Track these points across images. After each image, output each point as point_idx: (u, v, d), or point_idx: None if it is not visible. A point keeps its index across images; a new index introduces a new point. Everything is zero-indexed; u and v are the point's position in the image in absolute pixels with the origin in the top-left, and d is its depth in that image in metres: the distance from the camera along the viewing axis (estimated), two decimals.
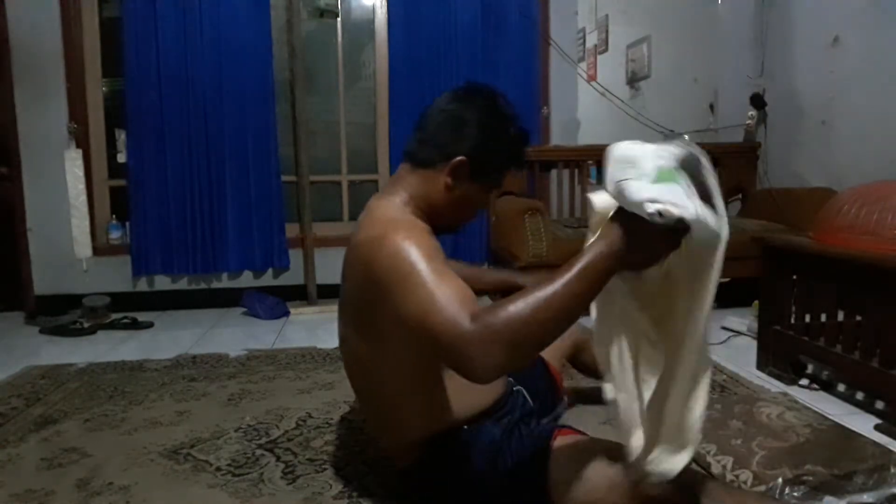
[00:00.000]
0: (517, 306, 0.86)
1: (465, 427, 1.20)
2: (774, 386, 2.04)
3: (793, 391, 1.99)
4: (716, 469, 1.42)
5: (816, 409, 1.79)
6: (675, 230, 0.84)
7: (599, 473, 1.05)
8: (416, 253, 1.00)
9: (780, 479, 1.25)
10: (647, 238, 0.86)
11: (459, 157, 1.14)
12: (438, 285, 0.95)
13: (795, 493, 1.19)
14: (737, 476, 1.37)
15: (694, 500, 0.97)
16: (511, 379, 1.36)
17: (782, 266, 2.10)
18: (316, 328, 3.03)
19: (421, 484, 1.26)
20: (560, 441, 1.13)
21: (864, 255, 1.75)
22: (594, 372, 1.66)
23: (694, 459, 1.36)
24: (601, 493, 1.03)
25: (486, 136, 1.15)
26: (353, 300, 1.19)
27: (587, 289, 0.88)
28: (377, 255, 1.04)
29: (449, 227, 1.23)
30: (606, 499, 1.03)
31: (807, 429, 1.45)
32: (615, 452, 1.03)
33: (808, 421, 1.50)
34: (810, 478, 1.27)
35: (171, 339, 2.87)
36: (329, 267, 3.51)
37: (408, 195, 1.18)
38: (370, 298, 1.09)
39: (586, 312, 0.95)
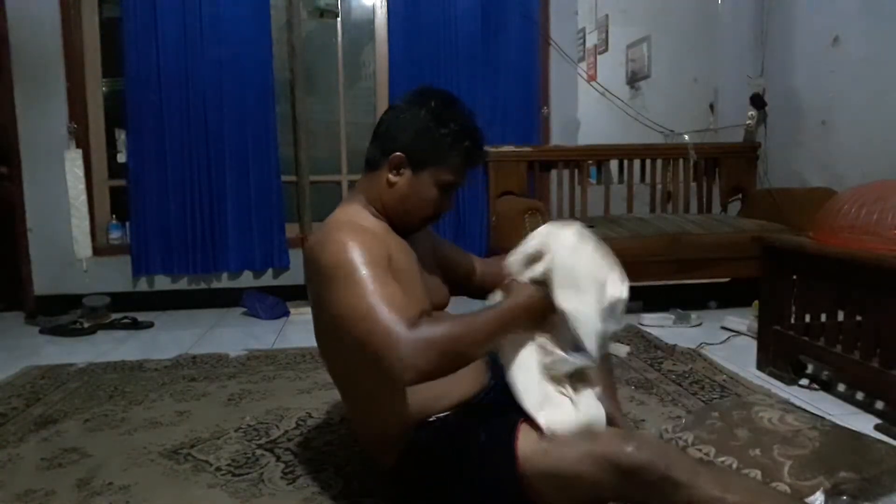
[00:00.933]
0: (454, 325, 1.06)
1: (434, 420, 1.20)
2: (774, 386, 2.04)
3: (793, 391, 1.99)
4: None
5: (813, 410, 1.79)
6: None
7: (567, 445, 1.07)
8: (357, 255, 1.08)
9: (821, 492, 1.21)
10: (546, 316, 1.14)
11: (397, 154, 1.21)
12: (376, 289, 1.04)
13: None
14: None
15: (667, 469, 0.99)
16: (490, 374, 1.36)
17: (782, 266, 2.10)
18: None
19: (404, 486, 1.27)
20: (526, 426, 1.14)
21: (864, 255, 1.75)
22: None
23: None
24: (569, 462, 1.05)
25: (420, 129, 1.20)
26: (311, 302, 1.25)
27: (504, 329, 1.12)
28: (321, 255, 1.12)
29: (407, 223, 1.26)
30: (571, 469, 1.04)
31: (814, 432, 1.42)
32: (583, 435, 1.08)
33: (811, 423, 1.48)
34: (847, 486, 1.22)
35: (171, 339, 2.87)
36: None
37: (364, 198, 1.26)
38: (318, 300, 1.17)
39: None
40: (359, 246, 1.10)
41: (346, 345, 1.13)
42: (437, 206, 1.25)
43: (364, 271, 1.06)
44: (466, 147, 1.21)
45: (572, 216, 3.49)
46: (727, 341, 2.61)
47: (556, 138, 3.74)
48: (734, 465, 1.38)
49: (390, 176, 1.22)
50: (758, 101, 3.59)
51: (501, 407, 1.20)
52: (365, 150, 1.30)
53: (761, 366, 2.21)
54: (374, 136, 1.27)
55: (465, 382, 1.25)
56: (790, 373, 2.07)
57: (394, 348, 1.00)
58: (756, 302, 2.39)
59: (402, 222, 1.26)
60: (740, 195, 3.70)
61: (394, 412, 1.20)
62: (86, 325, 3.02)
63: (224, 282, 3.53)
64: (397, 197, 1.23)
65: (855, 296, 1.83)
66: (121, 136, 3.42)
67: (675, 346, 2.50)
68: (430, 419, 1.21)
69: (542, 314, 1.15)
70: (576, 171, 3.57)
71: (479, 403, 1.26)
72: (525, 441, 1.10)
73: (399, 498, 1.33)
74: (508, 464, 1.10)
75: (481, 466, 1.14)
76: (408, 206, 1.24)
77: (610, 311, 1.14)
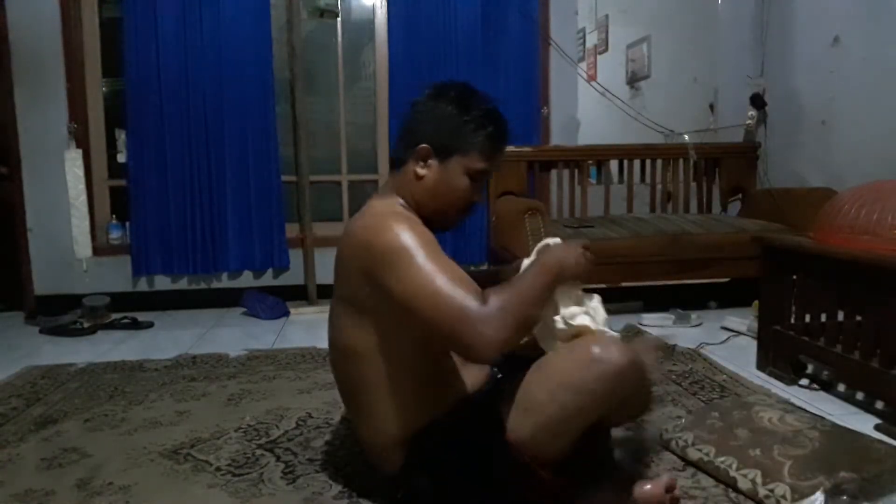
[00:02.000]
0: (514, 291, 1.08)
1: (442, 423, 1.20)
2: (774, 386, 2.04)
3: (793, 391, 1.99)
4: (744, 484, 1.34)
5: (813, 410, 1.79)
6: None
7: (539, 390, 1.12)
8: (413, 239, 1.09)
9: (821, 492, 1.21)
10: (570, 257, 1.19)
11: (422, 145, 1.21)
12: (439, 269, 1.06)
13: None
14: (772, 490, 1.28)
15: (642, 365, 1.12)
16: (495, 368, 1.36)
17: (782, 266, 2.10)
18: (316, 328, 3.03)
19: (408, 492, 1.26)
20: (504, 392, 1.18)
21: (864, 255, 1.75)
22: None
23: (715, 476, 1.41)
24: (548, 407, 1.09)
25: (443, 118, 1.21)
26: (345, 289, 1.22)
27: (554, 283, 1.15)
28: (375, 241, 1.11)
29: (441, 218, 1.26)
30: (556, 411, 1.08)
31: (814, 431, 1.42)
32: (543, 367, 1.15)
33: (811, 423, 1.48)
34: (847, 486, 1.22)
35: (171, 339, 2.87)
36: (329, 267, 3.46)
37: (396, 194, 1.25)
38: (367, 284, 1.14)
39: None
40: (414, 230, 1.11)
41: (395, 327, 1.14)
42: (469, 197, 1.25)
43: (427, 252, 1.07)
44: (491, 131, 1.22)
45: (572, 216, 3.49)
46: (727, 341, 2.61)
47: (556, 138, 3.74)
48: (734, 465, 1.39)
49: (418, 169, 1.22)
50: (758, 101, 3.59)
51: (494, 401, 1.21)
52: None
53: (761, 366, 2.21)
54: (399, 135, 1.28)
55: (463, 381, 1.26)
56: (790, 373, 2.07)
57: (472, 324, 1.02)
58: (756, 302, 2.39)
59: (436, 218, 1.25)
60: (740, 195, 3.70)
61: (398, 414, 1.20)
62: (86, 325, 3.02)
63: (224, 282, 3.53)
64: (428, 190, 1.22)
65: (855, 296, 1.83)
66: (121, 136, 3.42)
67: (675, 346, 2.50)
68: (432, 422, 1.20)
69: (577, 267, 1.18)
70: (576, 171, 3.57)
71: (478, 399, 1.26)
72: (505, 411, 1.14)
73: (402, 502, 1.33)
74: (498, 441, 1.12)
75: (477, 455, 1.15)
76: (439, 199, 1.23)
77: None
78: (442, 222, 1.26)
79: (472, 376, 1.27)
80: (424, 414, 1.20)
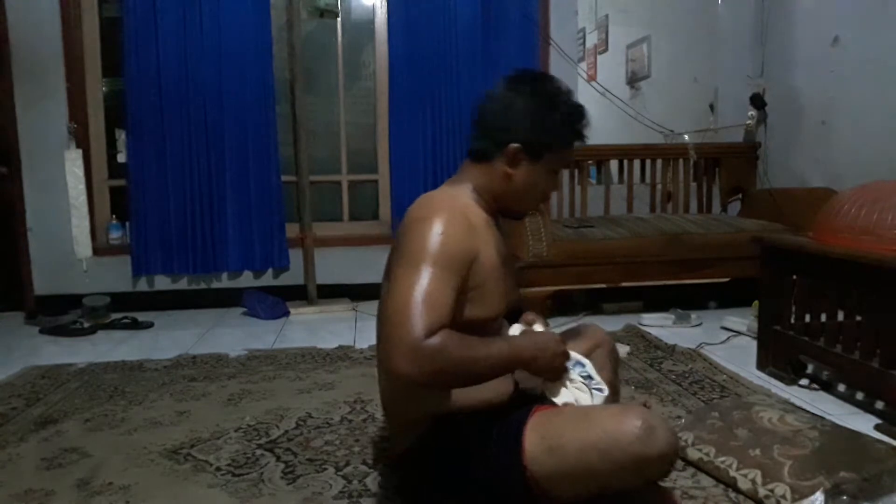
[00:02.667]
0: (467, 348, 1.04)
1: (465, 421, 1.19)
2: (774, 386, 2.04)
3: (793, 391, 1.99)
4: (744, 485, 1.34)
5: (813, 410, 1.79)
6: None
7: (570, 439, 1.07)
8: (433, 243, 1.08)
9: (821, 492, 1.21)
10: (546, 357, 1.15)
11: (514, 145, 1.18)
12: (425, 285, 1.04)
13: None
14: (772, 490, 1.28)
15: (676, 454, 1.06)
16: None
17: (782, 266, 2.10)
18: (316, 328, 3.03)
19: (414, 471, 1.26)
20: (534, 418, 1.14)
21: (864, 255, 1.75)
22: None
23: (715, 476, 1.39)
24: (573, 459, 1.06)
25: (535, 118, 1.18)
26: (392, 260, 1.22)
27: (502, 369, 1.13)
28: (410, 222, 1.13)
29: (518, 209, 1.26)
30: (579, 465, 1.05)
31: (814, 431, 1.42)
32: (585, 418, 1.10)
33: (811, 423, 1.48)
34: (847, 486, 1.23)
35: (171, 339, 2.87)
36: (329, 267, 3.51)
37: (472, 185, 1.23)
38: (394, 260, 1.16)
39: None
40: (446, 233, 1.09)
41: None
42: (551, 189, 1.25)
43: (433, 262, 1.06)
44: (579, 127, 1.21)
45: (572, 216, 3.49)
46: (727, 341, 2.61)
47: None
48: (734, 465, 1.39)
49: (508, 169, 1.20)
50: (758, 101, 3.59)
51: (515, 412, 1.19)
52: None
53: (761, 366, 2.21)
54: (479, 126, 1.24)
55: (503, 386, 1.24)
56: (790, 373, 2.07)
57: (402, 344, 1.01)
58: (756, 302, 2.39)
59: (513, 210, 1.26)
60: (740, 195, 3.70)
61: (434, 395, 1.19)
62: (86, 325, 3.02)
63: (224, 282, 3.53)
64: (515, 189, 1.21)
65: (855, 296, 1.83)
66: (121, 136, 3.42)
67: (675, 346, 2.50)
68: (454, 415, 1.19)
69: (550, 369, 1.17)
70: (576, 171, 3.57)
71: (504, 408, 1.24)
72: (532, 441, 1.10)
73: (405, 488, 1.32)
74: (516, 466, 1.10)
75: (489, 466, 1.14)
76: (524, 197, 1.23)
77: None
78: (518, 213, 1.27)
79: (507, 382, 1.25)
80: (451, 401, 1.18)
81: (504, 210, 1.26)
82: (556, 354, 1.16)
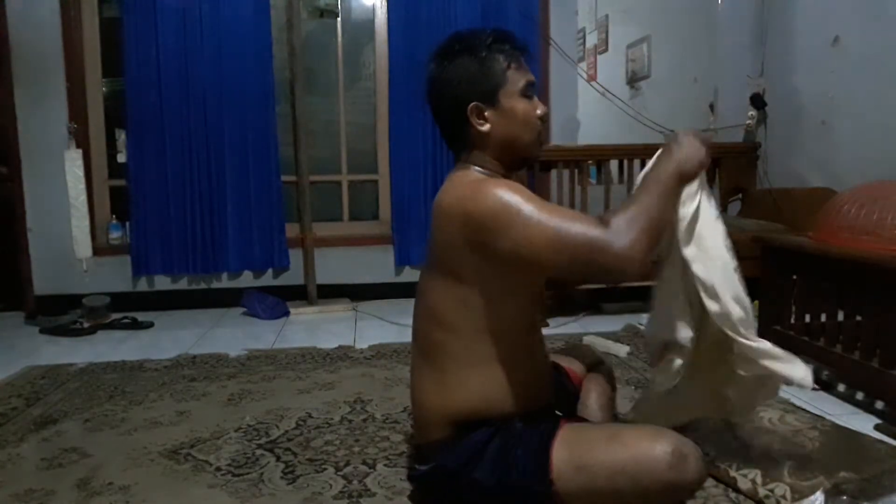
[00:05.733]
0: (633, 204, 1.08)
1: (492, 426, 1.18)
2: None
3: (793, 391, 1.99)
4: (744, 484, 1.34)
5: (813, 410, 1.79)
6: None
7: (600, 460, 1.06)
8: (513, 196, 1.07)
9: (821, 492, 1.21)
10: (691, 150, 1.20)
11: (468, 106, 1.18)
12: (551, 214, 1.05)
13: None
14: (771, 490, 1.28)
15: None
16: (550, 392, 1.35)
17: (782, 266, 2.10)
18: (316, 328, 3.03)
19: (436, 471, 1.24)
20: (563, 432, 1.13)
21: (864, 255, 1.75)
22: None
23: (715, 476, 1.38)
24: (602, 481, 1.05)
25: (465, 72, 1.19)
26: (443, 254, 1.20)
27: (668, 190, 1.15)
28: (476, 209, 1.09)
29: (523, 151, 1.23)
30: (607, 487, 1.04)
31: (814, 431, 1.42)
32: (615, 438, 1.08)
33: (811, 423, 1.48)
34: (847, 486, 1.23)
35: (171, 339, 2.87)
36: (329, 267, 3.51)
37: (472, 166, 1.21)
38: (473, 253, 1.12)
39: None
40: (511, 187, 1.10)
41: (497, 290, 1.15)
42: (535, 114, 1.22)
43: (532, 204, 1.06)
44: (507, 48, 1.20)
45: None
46: None
47: (556, 138, 3.73)
48: (734, 465, 1.39)
49: (481, 128, 1.19)
50: (758, 101, 3.59)
51: (544, 422, 1.19)
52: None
53: None
54: (437, 116, 1.27)
55: (535, 391, 1.24)
56: None
57: (605, 247, 1.01)
58: (756, 302, 2.39)
59: (520, 154, 1.23)
60: (740, 195, 3.70)
61: (481, 388, 1.18)
62: (86, 325, 3.03)
63: (224, 282, 3.53)
64: (501, 136, 1.19)
65: (855, 296, 1.83)
66: (121, 136, 3.42)
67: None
68: (487, 418, 1.18)
69: (697, 164, 1.20)
70: (576, 171, 3.56)
71: (535, 415, 1.23)
72: (560, 456, 1.09)
73: (421, 494, 1.32)
74: (543, 479, 1.09)
75: (513, 473, 1.12)
76: (514, 136, 1.20)
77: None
78: (526, 155, 1.24)
79: (536, 389, 1.25)
80: (485, 400, 1.18)
81: (515, 161, 1.23)
82: (693, 149, 1.20)
